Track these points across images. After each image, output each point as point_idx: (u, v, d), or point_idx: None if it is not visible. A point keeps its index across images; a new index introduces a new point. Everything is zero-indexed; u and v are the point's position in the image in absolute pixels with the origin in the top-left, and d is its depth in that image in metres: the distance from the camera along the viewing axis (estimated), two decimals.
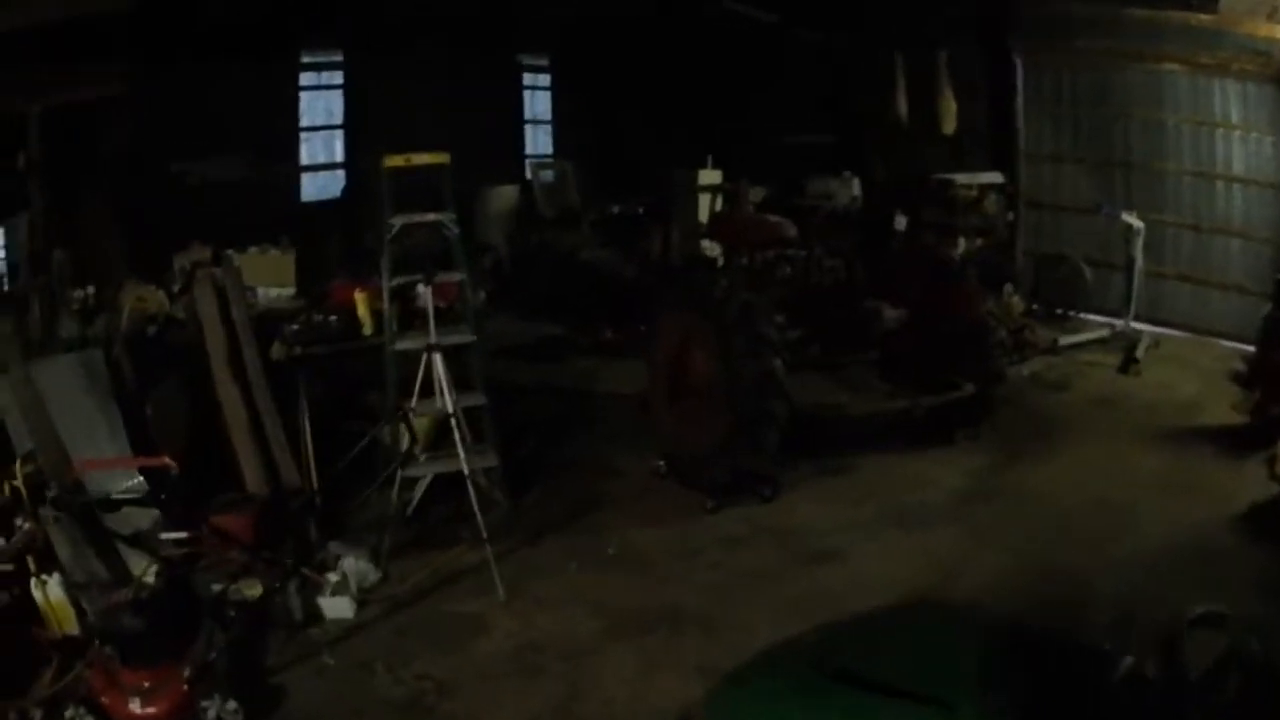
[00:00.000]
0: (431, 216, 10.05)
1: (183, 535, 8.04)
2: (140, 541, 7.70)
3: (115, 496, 8.07)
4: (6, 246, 14.43)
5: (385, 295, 10.01)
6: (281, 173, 20.14)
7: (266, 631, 7.90)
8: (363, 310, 11.02)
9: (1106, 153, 17.61)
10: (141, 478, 8.83)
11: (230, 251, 13.90)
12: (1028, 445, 12.07)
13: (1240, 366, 12.49)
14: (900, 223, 16.90)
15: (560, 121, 26.06)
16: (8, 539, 7.23)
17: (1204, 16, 15.35)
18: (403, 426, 9.55)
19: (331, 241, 17.88)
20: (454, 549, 9.31)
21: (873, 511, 10.35)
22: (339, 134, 21.49)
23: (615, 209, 20.04)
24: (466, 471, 9.13)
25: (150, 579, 7.02)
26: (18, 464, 7.36)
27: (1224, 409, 12.41)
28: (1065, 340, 16.11)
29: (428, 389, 9.46)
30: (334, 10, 18.92)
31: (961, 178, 17.99)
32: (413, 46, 19.86)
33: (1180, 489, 10.63)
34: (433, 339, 9.40)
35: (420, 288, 9.63)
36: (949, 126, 18.70)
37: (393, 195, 9.96)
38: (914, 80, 19.20)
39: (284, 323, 11.23)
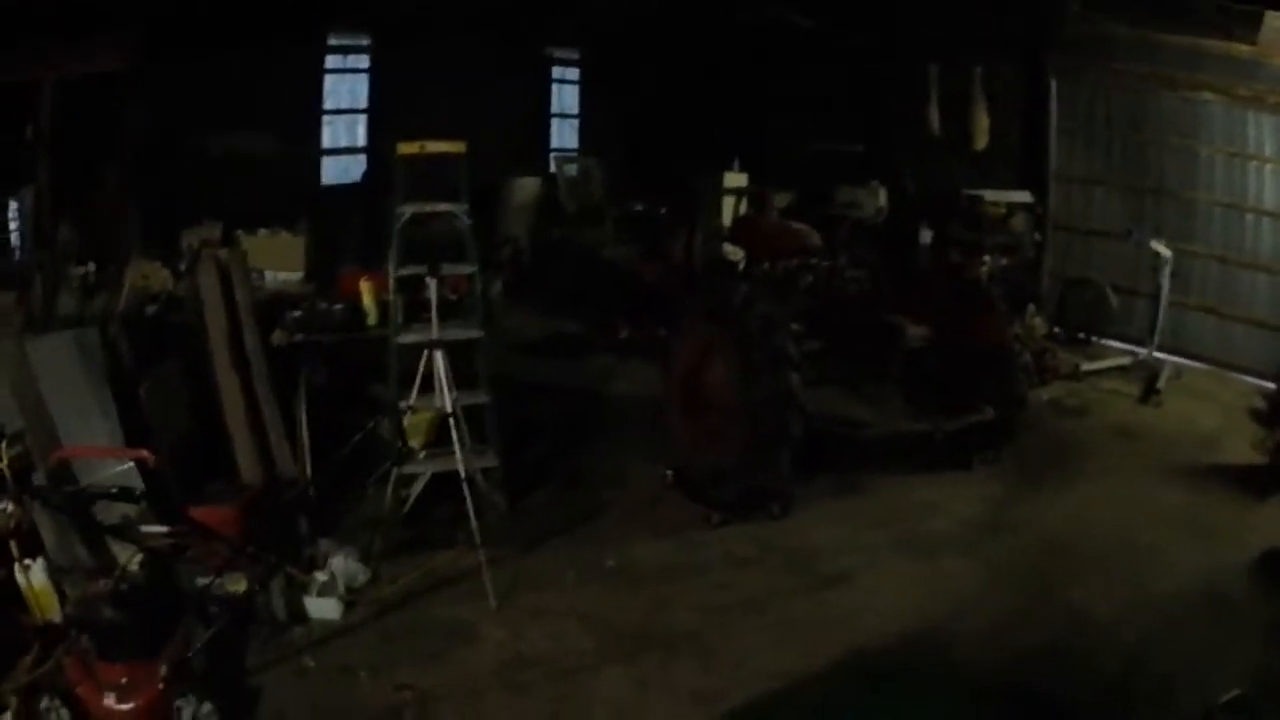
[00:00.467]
0: (443, 206, 9.79)
1: (162, 530, 7.79)
2: (125, 531, 7.47)
3: (96, 488, 7.83)
4: (20, 218, 14.21)
5: (391, 285, 9.74)
6: (303, 153, 19.92)
7: (248, 629, 7.65)
8: (368, 299, 10.81)
9: (1138, 178, 17.35)
10: (132, 463, 8.61)
11: (240, 232, 13.70)
12: (1045, 474, 11.76)
13: (1260, 404, 12.26)
14: (926, 236, 16.67)
15: (587, 117, 25.87)
16: None
17: (1243, 47, 15.07)
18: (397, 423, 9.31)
19: (348, 227, 17.66)
20: (448, 552, 9.04)
21: (885, 536, 10.05)
22: (362, 118, 21.28)
23: (639, 207, 19.80)
24: (463, 472, 8.86)
25: (135, 568, 6.79)
26: (3, 444, 7.15)
27: (1244, 446, 12.15)
28: (1087, 366, 15.83)
29: (430, 384, 9.21)
30: None
31: (990, 195, 17.74)
32: (442, 34, 19.63)
33: (1197, 529, 10.33)
34: (434, 334, 9.15)
35: (426, 279, 9.35)
36: (981, 142, 18.50)
37: (406, 183, 9.70)
38: (947, 94, 18.99)
39: (288, 308, 11.02)
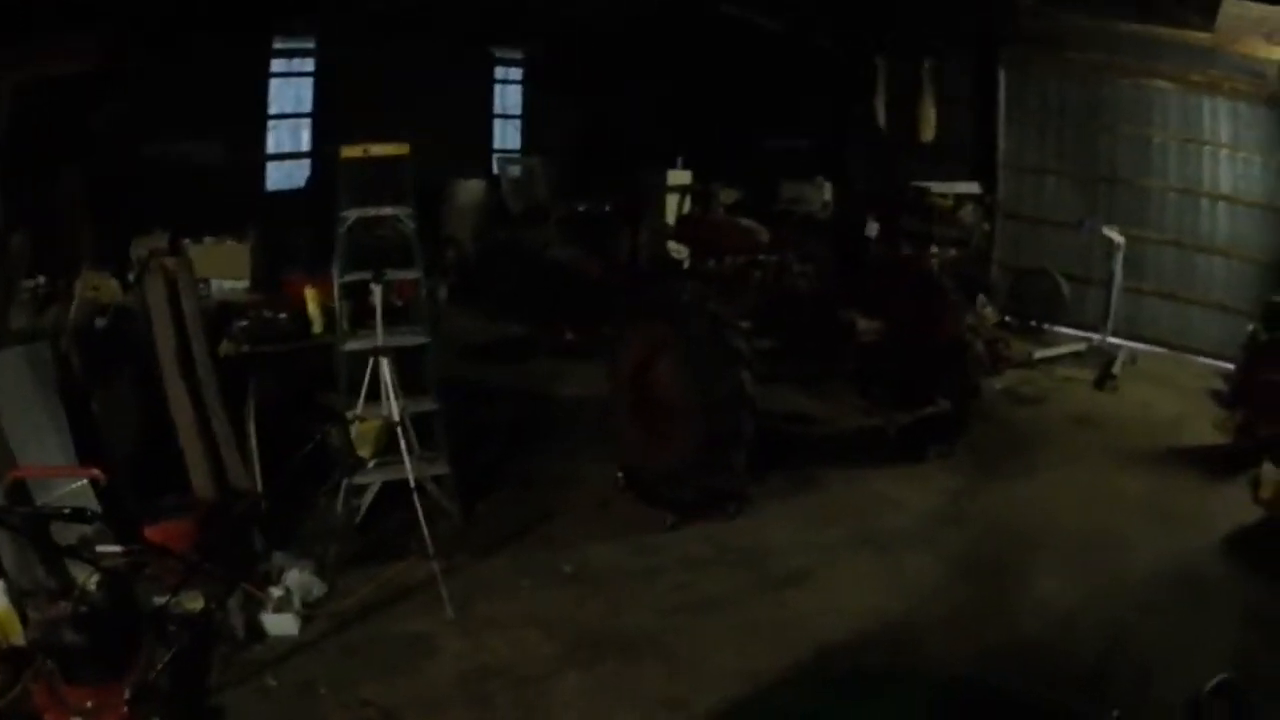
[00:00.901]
0: (388, 210, 9.62)
1: (117, 549, 7.64)
2: (81, 551, 7.33)
3: (50, 508, 7.68)
4: None
5: (336, 292, 9.58)
6: (249, 160, 19.72)
7: (209, 648, 7.53)
8: (313, 307, 10.67)
9: (1090, 167, 17.52)
10: (86, 481, 8.46)
11: (186, 241, 13.52)
12: (1003, 464, 11.80)
13: (1221, 385, 12.30)
14: (872, 230, 16.65)
15: (530, 117, 25.77)
16: None
17: (1200, 34, 15.13)
18: (348, 431, 9.17)
19: (294, 233, 17.49)
20: (402, 562, 8.88)
21: (842, 532, 9.99)
22: (306, 123, 21.09)
23: (582, 207, 19.70)
24: (413, 481, 8.72)
25: (93, 588, 6.67)
26: None
27: (1204, 428, 12.32)
28: (1040, 354, 15.91)
29: (377, 391, 9.06)
30: None
31: (937, 187, 17.77)
32: (386, 35, 19.46)
33: (1162, 512, 10.40)
34: (380, 341, 8.99)
35: (371, 285, 9.20)
36: (928, 134, 18.57)
37: (349, 187, 9.53)
38: (896, 88, 19.00)
39: (234, 317, 10.86)
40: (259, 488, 9.28)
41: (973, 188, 18.06)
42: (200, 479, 9.15)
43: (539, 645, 7.88)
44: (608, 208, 18.43)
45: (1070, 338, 17.00)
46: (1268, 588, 8.77)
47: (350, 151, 9.42)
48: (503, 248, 19.76)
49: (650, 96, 22.16)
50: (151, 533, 7.89)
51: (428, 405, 9.59)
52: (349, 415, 8.99)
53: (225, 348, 10.07)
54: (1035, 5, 17.03)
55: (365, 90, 19.00)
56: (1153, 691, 6.97)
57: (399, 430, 8.89)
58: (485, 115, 25.10)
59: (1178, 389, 14.55)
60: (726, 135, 21.18)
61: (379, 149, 9.47)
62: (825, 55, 20.70)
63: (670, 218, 15.00)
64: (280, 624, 7.94)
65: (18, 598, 6.95)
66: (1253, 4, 14.15)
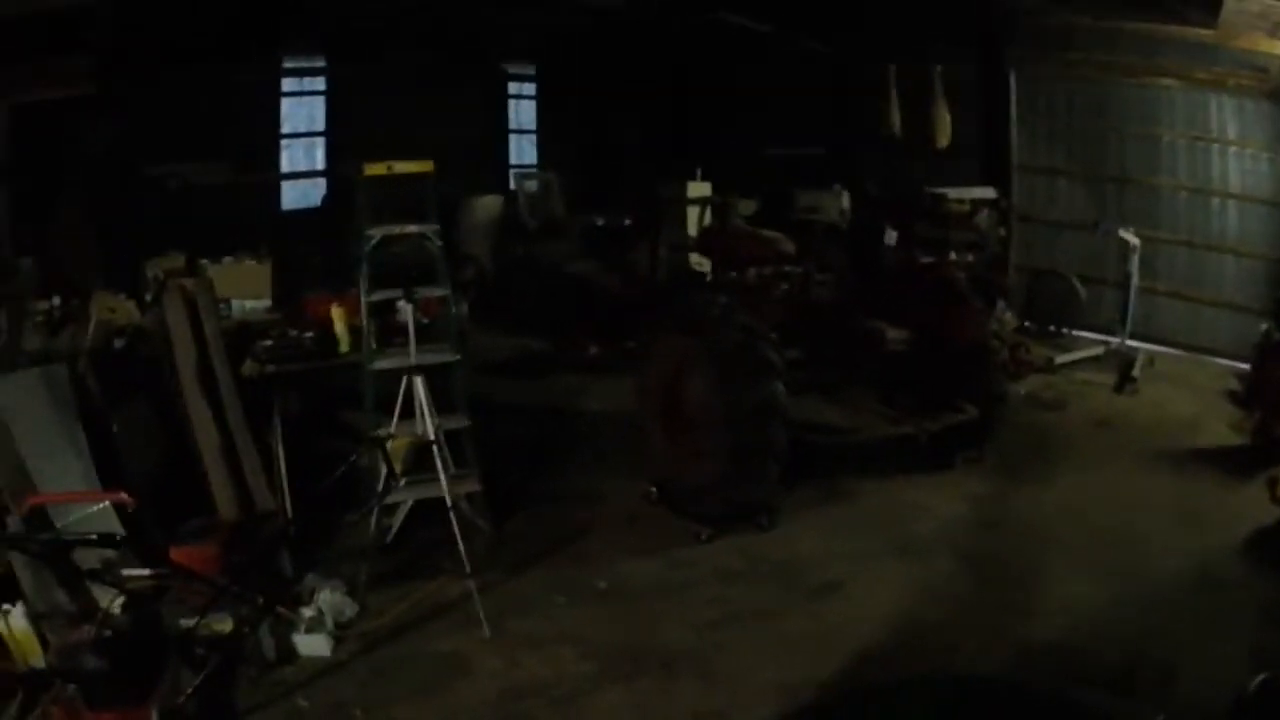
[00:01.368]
0: (413, 228, 9.58)
1: (144, 573, 7.62)
2: (105, 575, 7.30)
3: (73, 533, 7.65)
4: None
5: (364, 310, 9.54)
6: (263, 180, 19.69)
7: (237, 670, 7.49)
8: (340, 326, 10.60)
9: (1100, 167, 17.47)
10: (108, 502, 8.42)
11: (204, 261, 13.50)
12: (1029, 469, 11.76)
13: (1236, 385, 12.28)
14: (890, 237, 16.61)
15: (545, 131, 25.70)
16: None
17: (1203, 31, 15.09)
18: (380, 453, 9.13)
19: (310, 252, 17.47)
20: (435, 580, 8.86)
21: (874, 541, 9.96)
22: (320, 141, 21.07)
23: (600, 221, 19.68)
24: (449, 500, 8.69)
25: (116, 611, 6.64)
26: None
27: (1221, 429, 12.34)
28: (1060, 359, 15.93)
29: (408, 409, 9.02)
30: (318, 15, 18.55)
31: (954, 192, 17.70)
32: (398, 53, 19.48)
33: (1183, 515, 10.36)
34: (413, 359, 8.94)
35: (400, 303, 9.17)
36: (942, 140, 18.45)
37: (372, 205, 9.52)
38: (908, 93, 18.96)
39: (257, 337, 10.82)
40: (287, 509, 9.26)
41: (988, 193, 17.98)
42: (225, 501, 9.14)
43: (575, 662, 7.83)
44: (626, 221, 18.42)
45: (1088, 341, 17.00)
46: None
47: (374, 169, 9.37)
48: (521, 263, 19.76)
49: (658, 108, 22.13)
50: (177, 556, 7.86)
51: (459, 423, 9.55)
52: (382, 434, 8.94)
53: (249, 368, 10.04)
54: (1039, 4, 17.03)
55: (379, 108, 19.01)
56: (1184, 690, 6.97)
57: (434, 448, 8.86)
58: (500, 131, 25.05)
59: (1194, 390, 14.54)
60: (736, 145, 21.14)
61: (402, 166, 9.42)
62: (835, 62, 20.68)
63: (691, 230, 14.98)
64: (312, 645, 7.90)
65: (36, 620, 6.96)
66: None
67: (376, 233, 9.33)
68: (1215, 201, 16.15)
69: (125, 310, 11.29)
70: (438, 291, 9.75)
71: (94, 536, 6.00)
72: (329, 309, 10.75)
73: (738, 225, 14.61)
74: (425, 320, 9.80)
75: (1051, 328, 17.72)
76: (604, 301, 16.67)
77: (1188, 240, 16.45)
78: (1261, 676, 4.51)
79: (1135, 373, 14.76)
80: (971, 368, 11.48)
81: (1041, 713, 4.76)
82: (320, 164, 21.01)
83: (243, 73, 18.01)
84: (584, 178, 22.22)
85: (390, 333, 9.84)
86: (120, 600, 6.31)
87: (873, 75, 19.41)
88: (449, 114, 20.18)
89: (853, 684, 7.42)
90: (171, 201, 16.76)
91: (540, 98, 25.63)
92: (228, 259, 15.15)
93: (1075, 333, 17.58)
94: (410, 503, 9.39)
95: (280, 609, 7.87)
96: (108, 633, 5.83)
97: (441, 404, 9.31)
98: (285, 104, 20.47)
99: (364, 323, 9.56)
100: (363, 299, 9.45)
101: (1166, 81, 16.25)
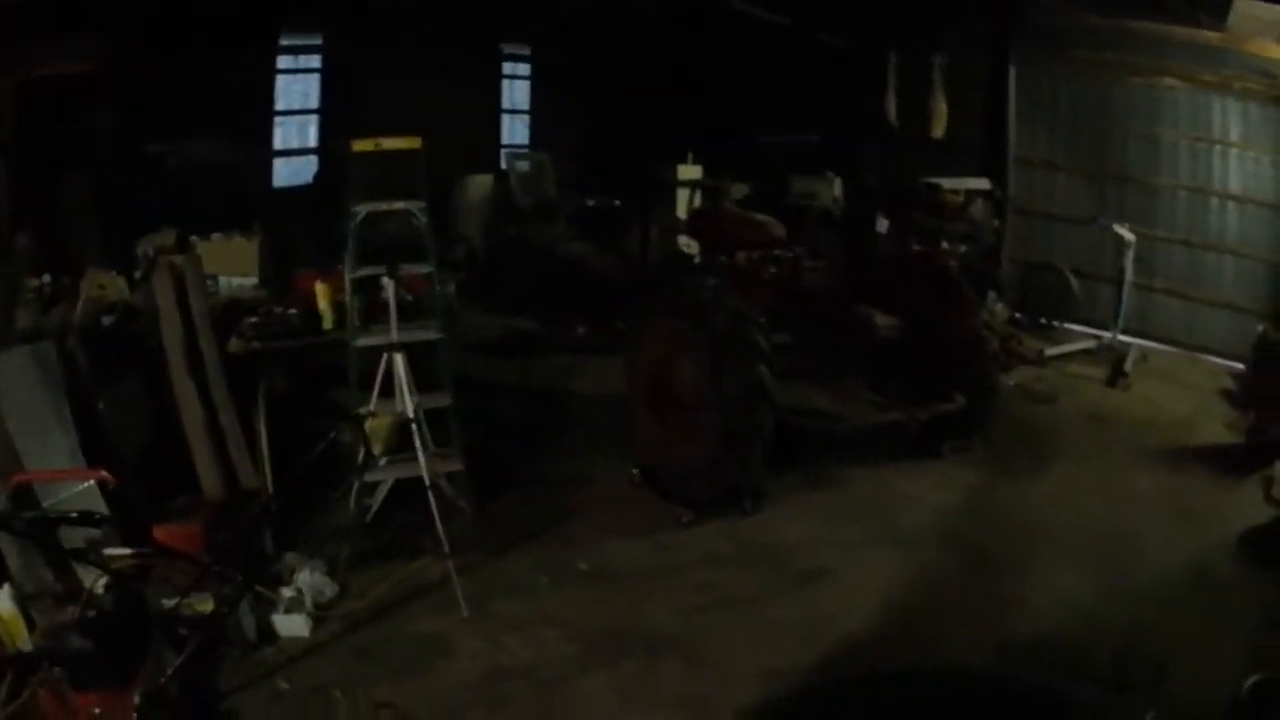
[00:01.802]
0: (399, 205, 9.48)
1: (127, 552, 7.54)
2: (89, 554, 7.23)
3: (57, 511, 7.58)
4: None
5: (347, 287, 9.46)
6: (257, 157, 19.59)
7: (219, 650, 7.42)
8: (324, 303, 10.56)
9: (1100, 164, 17.35)
10: (93, 481, 8.35)
11: (194, 238, 13.42)
12: (1018, 461, 11.69)
13: (1231, 385, 12.24)
14: (882, 226, 16.58)
15: (539, 112, 25.59)
16: None
17: (1211, 34, 15.09)
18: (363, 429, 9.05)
19: (302, 229, 17.38)
20: (416, 561, 8.81)
21: (862, 528, 9.90)
22: (313, 119, 20.93)
23: (591, 202, 19.61)
24: (427, 478, 8.62)
25: (100, 591, 6.58)
26: None
27: (1215, 427, 12.29)
28: (1051, 351, 15.84)
29: (390, 388, 8.96)
30: None
31: (948, 182, 17.66)
32: (393, 31, 19.34)
33: (1176, 512, 10.29)
34: (394, 337, 8.90)
35: (384, 280, 9.09)
36: (939, 130, 18.45)
37: (360, 182, 9.43)
38: (907, 83, 18.92)
39: (244, 314, 10.74)
40: (270, 487, 9.18)
41: (982, 184, 17.95)
42: (210, 479, 9.04)
43: (558, 645, 7.78)
44: (617, 203, 18.35)
45: (1080, 335, 16.91)
46: None
47: (362, 145, 9.30)
48: (512, 243, 19.61)
49: (658, 91, 22.03)
50: (161, 534, 7.78)
51: (441, 401, 9.47)
52: (362, 412, 8.86)
53: (235, 345, 9.98)
54: (1047, 2, 16.98)
55: (372, 86, 18.91)
56: (1174, 688, 6.88)
57: (413, 427, 8.77)
58: (493, 111, 24.91)
59: (1189, 388, 14.45)
60: (734, 130, 21.08)
61: (391, 142, 9.34)
62: (834, 51, 20.62)
63: (681, 212, 14.92)
64: (292, 625, 7.85)
65: (23, 601, 6.88)
66: (1264, 4, 14.09)
67: (362, 208, 9.26)
68: (1215, 202, 16.07)
69: (115, 287, 11.21)
70: (422, 268, 9.68)
71: (74, 514, 5.94)
72: (314, 286, 10.69)
73: (728, 208, 14.61)
74: (410, 298, 9.71)
75: (1043, 320, 17.63)
76: (594, 282, 16.62)
77: (1186, 239, 16.38)
78: (1254, 678, 4.47)
79: (1127, 368, 14.72)
80: (962, 357, 11.43)
81: (1030, 706, 4.71)
82: (313, 141, 20.86)
83: (239, 49, 17.89)
84: (577, 159, 22.15)
85: (378, 310, 9.74)
86: (104, 580, 6.25)
87: (873, 65, 19.38)
88: (442, 93, 19.96)
89: (839, 672, 7.38)
90: (164, 176, 16.62)
91: (534, 78, 25.50)
92: (216, 236, 15.08)
93: (1067, 326, 17.47)
94: (390, 482, 9.30)
95: (259, 588, 7.80)
96: (92, 613, 5.78)
97: (425, 382, 9.26)
98: (280, 81, 20.30)
99: (348, 299, 9.49)
100: (346, 275, 9.39)
101: (1171, 82, 16.17)
